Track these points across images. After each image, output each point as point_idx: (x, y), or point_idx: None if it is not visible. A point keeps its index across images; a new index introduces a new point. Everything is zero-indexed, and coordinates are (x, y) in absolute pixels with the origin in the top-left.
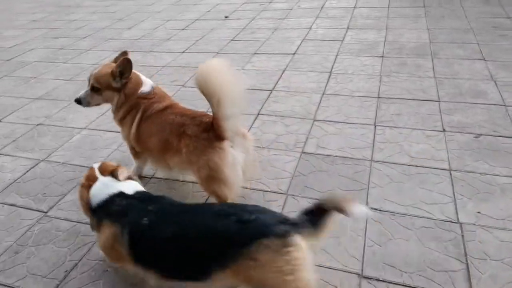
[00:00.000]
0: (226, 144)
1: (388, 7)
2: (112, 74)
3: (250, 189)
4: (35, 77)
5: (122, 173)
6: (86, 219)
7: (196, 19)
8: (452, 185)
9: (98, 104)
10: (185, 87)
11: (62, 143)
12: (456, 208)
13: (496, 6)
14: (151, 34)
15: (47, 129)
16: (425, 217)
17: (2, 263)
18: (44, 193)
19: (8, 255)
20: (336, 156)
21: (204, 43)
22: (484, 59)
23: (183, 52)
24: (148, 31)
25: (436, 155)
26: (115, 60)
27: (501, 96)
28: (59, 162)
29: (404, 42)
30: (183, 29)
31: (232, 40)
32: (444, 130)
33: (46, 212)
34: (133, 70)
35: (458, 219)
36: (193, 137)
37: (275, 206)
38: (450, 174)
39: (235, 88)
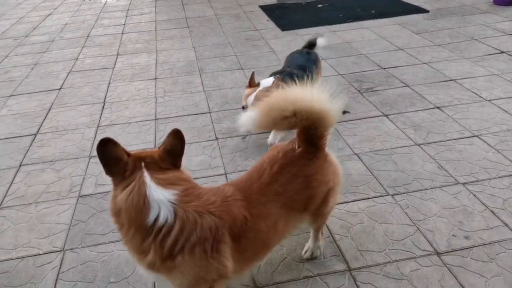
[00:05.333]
0: None
1: (156, 30)
2: None
3: (16, 258)
4: None
5: None
6: None
7: None
8: None
9: None
10: None
11: None
12: None
13: (245, 21)
14: None
15: None
16: None
17: None
18: None
19: None
20: None
21: None
22: (242, 68)
23: None
24: None
25: (213, 163)
26: None
27: None
28: None
29: (174, 62)
30: None
31: None
32: (217, 138)
33: None
34: None
35: None
36: None
37: (49, 268)
38: (226, 177)
39: None
